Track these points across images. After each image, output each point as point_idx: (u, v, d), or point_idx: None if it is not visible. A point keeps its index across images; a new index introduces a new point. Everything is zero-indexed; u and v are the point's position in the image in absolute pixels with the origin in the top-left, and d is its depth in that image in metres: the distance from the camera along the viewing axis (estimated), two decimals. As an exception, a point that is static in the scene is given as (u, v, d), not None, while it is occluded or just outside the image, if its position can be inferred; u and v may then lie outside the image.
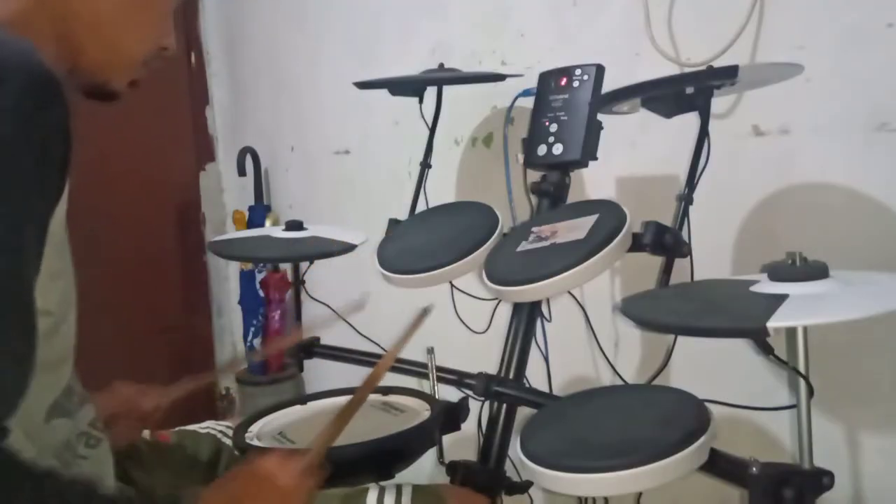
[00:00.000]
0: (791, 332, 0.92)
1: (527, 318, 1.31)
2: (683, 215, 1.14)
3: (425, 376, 1.32)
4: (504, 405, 1.27)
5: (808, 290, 0.87)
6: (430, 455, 1.21)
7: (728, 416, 1.07)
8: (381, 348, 1.61)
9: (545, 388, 1.55)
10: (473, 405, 1.30)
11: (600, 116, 1.33)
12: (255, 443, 1.14)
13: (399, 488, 1.03)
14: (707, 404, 0.97)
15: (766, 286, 0.90)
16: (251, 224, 2.68)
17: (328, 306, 1.46)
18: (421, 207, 1.61)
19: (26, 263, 0.67)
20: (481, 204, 1.43)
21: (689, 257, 1.16)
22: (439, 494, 1.06)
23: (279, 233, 1.61)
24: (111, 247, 2.64)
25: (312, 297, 1.66)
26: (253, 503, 0.81)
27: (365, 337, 1.59)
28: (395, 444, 1.10)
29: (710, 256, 1.30)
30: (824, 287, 0.88)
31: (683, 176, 1.16)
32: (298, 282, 1.69)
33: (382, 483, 1.06)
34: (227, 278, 3.06)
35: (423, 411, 1.20)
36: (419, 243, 1.40)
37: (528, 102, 1.48)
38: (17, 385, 0.65)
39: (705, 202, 1.19)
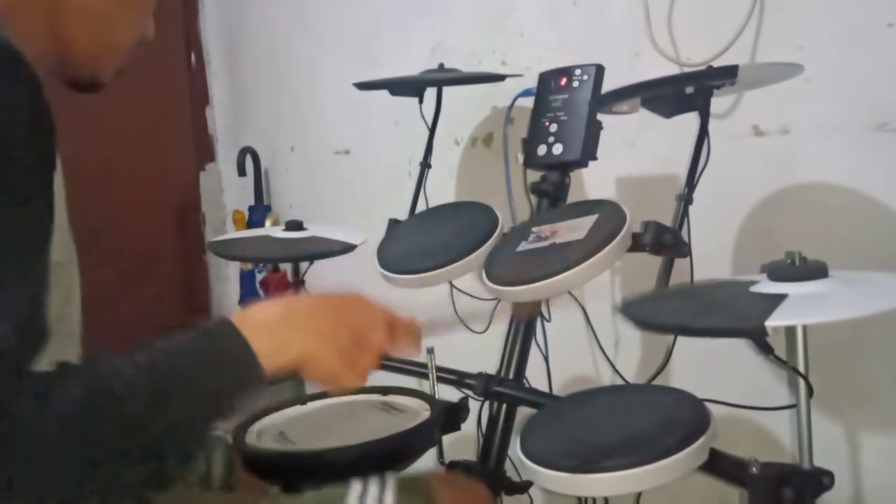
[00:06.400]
0: (790, 332, 0.92)
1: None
2: (683, 215, 1.13)
3: (425, 376, 1.32)
4: (504, 405, 1.27)
5: (807, 289, 0.87)
6: (430, 455, 1.21)
7: (728, 416, 1.07)
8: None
9: (545, 388, 1.55)
10: (473, 405, 1.30)
11: (600, 116, 1.33)
12: (256, 443, 1.14)
13: (383, 481, 1.00)
14: (707, 404, 0.97)
15: (766, 286, 0.90)
16: (251, 224, 2.68)
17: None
18: (421, 207, 1.61)
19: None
20: (481, 204, 1.43)
21: (689, 257, 1.16)
22: (426, 484, 1.02)
23: (279, 233, 1.60)
24: (111, 247, 2.64)
25: (312, 297, 1.65)
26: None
27: (365, 337, 1.58)
28: (395, 445, 1.10)
29: (710, 256, 1.30)
30: (824, 287, 0.88)
31: (683, 176, 1.16)
32: (298, 282, 1.69)
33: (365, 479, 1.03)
34: (227, 278, 3.06)
35: (422, 411, 1.20)
36: (419, 243, 1.40)
37: (528, 102, 1.47)
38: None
39: (705, 202, 1.19)
